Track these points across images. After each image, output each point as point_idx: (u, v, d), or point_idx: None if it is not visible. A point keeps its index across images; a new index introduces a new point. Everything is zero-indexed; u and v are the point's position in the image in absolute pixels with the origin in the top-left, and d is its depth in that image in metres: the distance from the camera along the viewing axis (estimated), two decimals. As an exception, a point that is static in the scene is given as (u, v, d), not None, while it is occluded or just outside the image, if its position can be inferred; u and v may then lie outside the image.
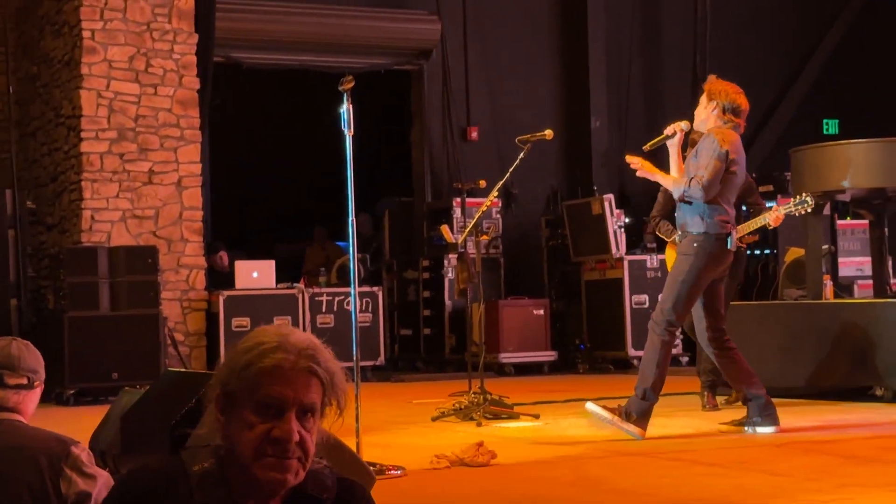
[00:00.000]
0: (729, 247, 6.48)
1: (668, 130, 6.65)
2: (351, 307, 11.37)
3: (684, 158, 6.72)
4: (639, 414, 6.31)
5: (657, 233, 7.74)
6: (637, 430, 6.30)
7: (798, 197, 7.02)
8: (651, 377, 6.40)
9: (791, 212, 7.07)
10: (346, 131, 5.37)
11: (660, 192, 7.63)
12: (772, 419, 6.45)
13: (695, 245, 6.43)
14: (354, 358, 5.48)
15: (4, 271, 10.31)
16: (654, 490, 4.74)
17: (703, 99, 6.65)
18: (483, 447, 5.42)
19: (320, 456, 2.15)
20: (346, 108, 5.34)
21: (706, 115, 6.59)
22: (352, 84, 5.32)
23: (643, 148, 6.78)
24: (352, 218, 5.38)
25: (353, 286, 5.56)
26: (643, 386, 6.42)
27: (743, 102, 6.58)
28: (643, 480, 5.00)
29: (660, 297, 6.73)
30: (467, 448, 5.43)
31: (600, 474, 5.25)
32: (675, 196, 6.59)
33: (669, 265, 7.35)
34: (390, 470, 5.18)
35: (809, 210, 7.06)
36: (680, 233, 6.62)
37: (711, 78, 6.75)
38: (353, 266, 5.50)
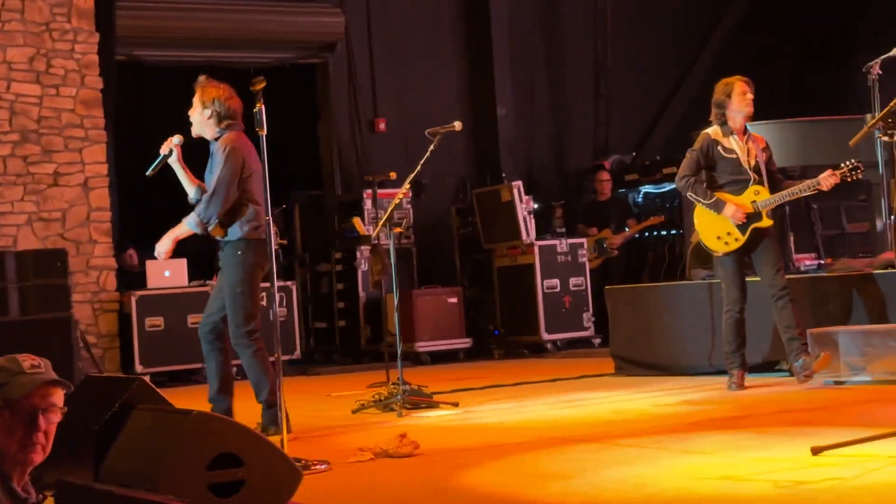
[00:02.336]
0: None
1: (163, 150, 6.65)
2: (268, 303, 11.42)
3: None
4: (275, 422, 6.21)
5: (690, 193, 7.47)
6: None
7: (849, 163, 7.19)
8: (267, 385, 6.45)
9: (846, 177, 7.22)
10: (259, 131, 5.39)
11: (690, 150, 7.59)
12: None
13: (239, 253, 6.49)
14: (276, 354, 5.49)
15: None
16: (576, 474, 4.85)
17: (197, 105, 6.65)
18: (406, 438, 5.49)
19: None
20: (258, 109, 5.36)
21: (202, 121, 6.63)
22: (263, 84, 5.35)
23: (147, 174, 6.80)
24: (269, 217, 5.40)
25: (272, 282, 5.58)
26: (263, 397, 6.50)
27: (236, 104, 6.62)
28: (565, 465, 5.11)
29: (205, 312, 6.74)
30: (390, 439, 5.50)
31: (524, 459, 5.35)
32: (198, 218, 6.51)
33: (701, 229, 7.58)
34: (315, 465, 5.23)
35: (861, 176, 7.24)
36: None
37: (202, 80, 6.72)
38: (273, 263, 5.52)
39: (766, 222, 7.45)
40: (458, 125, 7.67)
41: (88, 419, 4.81)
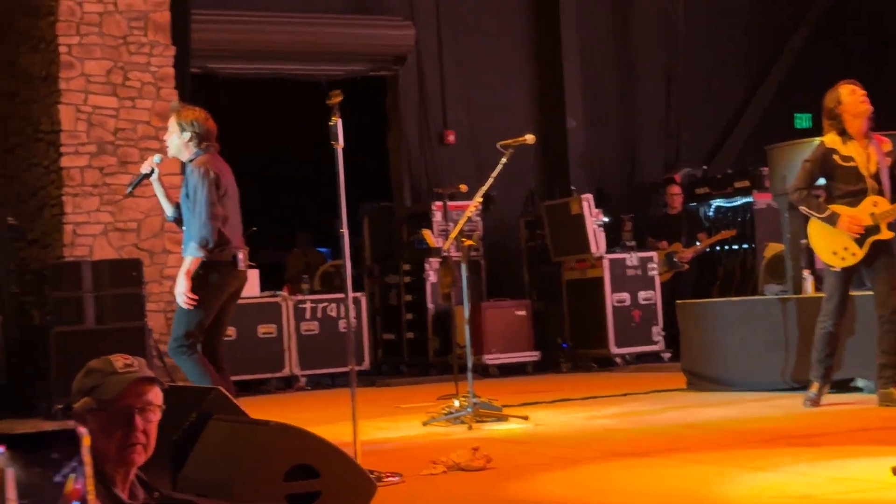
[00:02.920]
0: (239, 267, 6.64)
1: (144, 168, 6.75)
2: (336, 313, 11.49)
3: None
4: None
5: (803, 207, 7.18)
6: None
7: None
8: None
9: None
10: (334, 145, 5.43)
11: (804, 160, 7.29)
12: None
13: (201, 272, 6.49)
14: (349, 365, 5.52)
15: (-12, 288, 10.33)
16: (649, 489, 4.83)
17: (175, 128, 6.71)
18: (479, 451, 5.49)
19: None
20: (334, 122, 5.40)
21: (181, 143, 6.69)
22: (340, 98, 5.40)
23: (125, 195, 6.86)
24: (344, 229, 5.44)
25: (347, 294, 5.61)
26: None
27: (212, 125, 6.75)
28: (638, 480, 5.08)
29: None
30: (463, 452, 5.50)
31: (595, 475, 5.33)
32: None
33: (815, 242, 7.28)
34: (388, 477, 5.25)
35: None
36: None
37: (177, 104, 6.91)
38: (348, 274, 5.56)
39: (886, 235, 7.03)
40: (530, 138, 7.66)
41: (166, 428, 4.84)
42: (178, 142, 6.69)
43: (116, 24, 10.91)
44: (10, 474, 1.11)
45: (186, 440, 4.72)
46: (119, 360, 2.91)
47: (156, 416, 2.90)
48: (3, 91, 11.95)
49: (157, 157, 6.80)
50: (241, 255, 6.61)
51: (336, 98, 5.42)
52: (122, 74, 10.93)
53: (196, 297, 6.45)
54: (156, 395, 2.91)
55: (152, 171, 6.73)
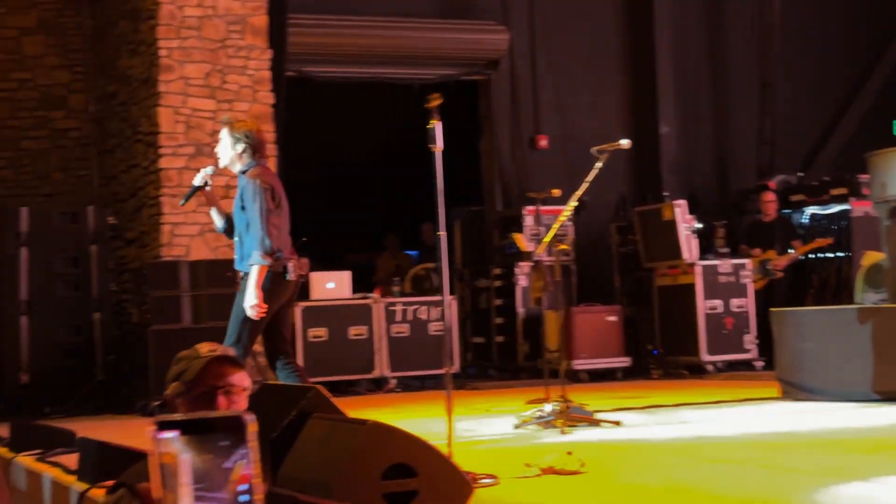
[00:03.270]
0: (289, 278, 6.73)
1: (197, 181, 6.80)
2: (426, 316, 11.53)
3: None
4: None
5: None
6: None
7: None
8: None
9: None
10: (433, 148, 5.47)
11: None
12: None
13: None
14: (445, 367, 5.56)
15: (87, 286, 10.57)
16: (745, 497, 4.79)
17: (227, 138, 6.75)
18: (573, 455, 5.49)
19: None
20: (432, 125, 5.45)
21: (234, 154, 6.75)
22: (439, 101, 5.44)
23: (181, 204, 6.93)
24: (442, 231, 5.48)
25: (445, 296, 5.66)
26: None
27: (263, 137, 6.89)
28: (733, 487, 5.04)
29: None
30: (557, 456, 5.51)
31: (689, 482, 5.30)
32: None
33: None
34: (482, 478, 5.27)
35: None
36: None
37: (230, 116, 6.97)
38: (446, 277, 5.59)
39: None
40: (625, 143, 7.64)
41: (265, 426, 4.93)
42: (231, 153, 6.81)
43: (215, 27, 11.09)
44: (185, 460, 1.16)
45: (285, 438, 4.79)
46: (204, 347, 2.99)
47: (241, 398, 2.93)
48: (102, 93, 12.21)
49: (209, 169, 6.90)
50: (290, 266, 6.74)
51: (435, 101, 5.47)
52: (219, 77, 11.10)
53: (266, 307, 6.56)
54: (240, 378, 2.95)
55: (206, 184, 6.84)
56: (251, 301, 6.57)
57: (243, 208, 6.73)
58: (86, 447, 5.49)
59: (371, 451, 4.26)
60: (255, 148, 6.79)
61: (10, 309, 10.34)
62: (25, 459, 6.49)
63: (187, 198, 7.00)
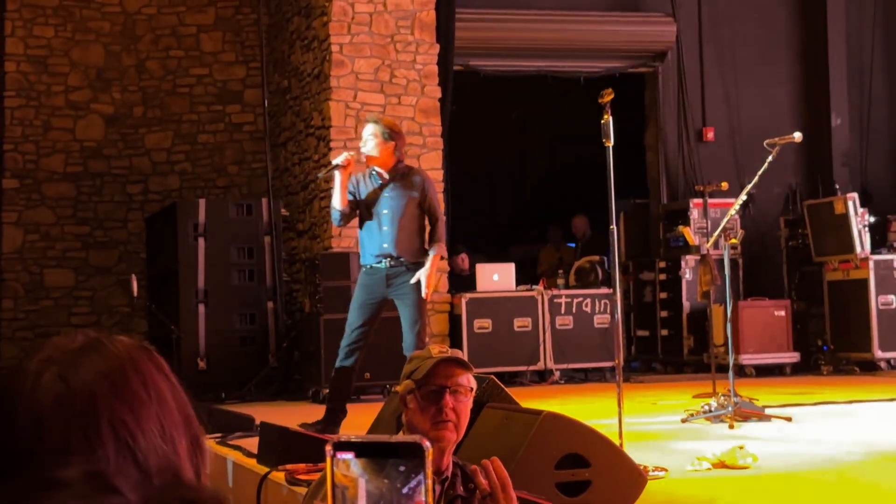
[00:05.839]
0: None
1: (339, 160, 7.00)
2: (590, 309, 11.55)
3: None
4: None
5: None
6: None
7: None
8: None
9: None
10: (605, 142, 5.52)
11: None
12: None
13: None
14: (616, 360, 5.60)
15: (262, 276, 10.91)
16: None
17: (379, 134, 7.05)
18: (743, 450, 5.48)
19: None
20: (605, 120, 5.49)
21: (386, 150, 7.06)
22: (611, 96, 5.48)
23: (318, 177, 7.08)
24: (613, 225, 5.52)
25: (615, 289, 5.70)
26: None
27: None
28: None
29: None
30: (728, 451, 5.50)
31: (863, 477, 5.24)
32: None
33: None
34: (654, 471, 5.30)
35: None
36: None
37: (376, 116, 7.35)
38: (616, 272, 5.64)
39: None
40: (797, 136, 7.55)
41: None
42: (381, 148, 7.07)
43: (385, 23, 11.30)
44: (362, 483, 1.20)
45: (460, 426, 4.91)
46: (435, 348, 3.16)
47: (466, 399, 3.08)
48: (275, 88, 12.56)
49: (351, 154, 7.18)
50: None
51: (608, 97, 5.52)
52: (389, 72, 11.31)
53: None
54: (467, 379, 3.10)
55: (347, 165, 7.06)
56: (433, 282, 6.96)
57: (419, 198, 7.07)
58: (267, 432, 5.71)
59: (546, 440, 4.34)
60: (402, 146, 7.15)
61: (189, 297, 10.74)
62: (208, 442, 6.76)
63: (326, 173, 7.27)
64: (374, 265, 7.10)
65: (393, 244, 7.04)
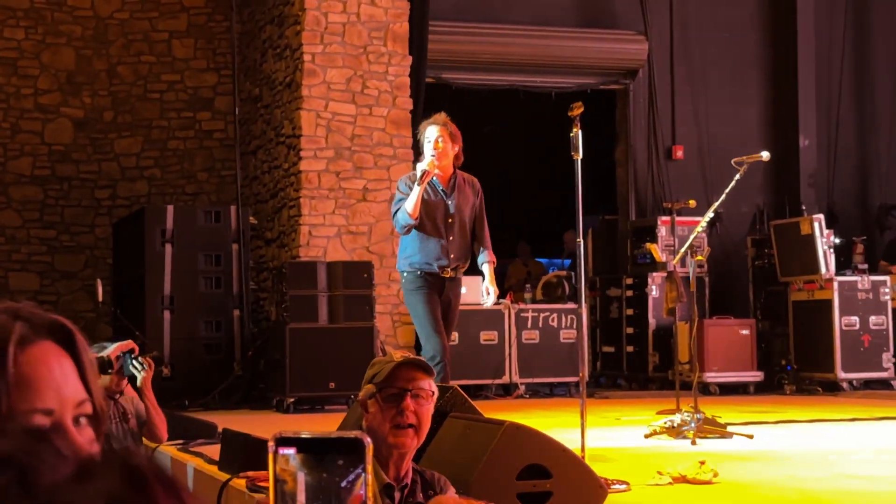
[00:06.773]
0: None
1: (428, 167, 6.91)
2: (557, 324, 11.56)
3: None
4: None
5: None
6: None
7: None
8: None
9: None
10: (574, 155, 5.54)
11: None
12: None
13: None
14: (580, 374, 5.61)
15: (229, 283, 10.87)
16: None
17: (448, 140, 6.96)
18: (705, 464, 5.50)
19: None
20: (574, 133, 5.51)
21: (453, 155, 7.01)
22: (581, 110, 5.50)
23: (417, 189, 6.95)
24: (579, 239, 5.54)
25: (581, 303, 5.71)
26: None
27: None
28: (868, 502, 5.00)
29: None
30: (689, 465, 5.51)
31: (827, 496, 5.26)
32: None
33: None
34: (615, 484, 5.31)
35: None
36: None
37: (444, 117, 7.05)
38: (583, 287, 5.65)
39: None
40: (765, 155, 7.60)
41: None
42: (451, 153, 6.97)
43: (358, 34, 11.31)
44: (301, 478, 1.21)
45: (422, 435, 4.90)
46: (398, 353, 3.15)
47: (428, 403, 3.07)
48: (246, 95, 12.54)
49: (433, 157, 6.98)
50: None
51: (577, 110, 5.54)
52: (360, 82, 11.32)
53: None
54: (428, 384, 3.09)
55: (431, 174, 6.96)
56: (491, 293, 7.10)
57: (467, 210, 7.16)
58: (229, 439, 5.68)
59: (507, 450, 4.35)
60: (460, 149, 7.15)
61: (155, 304, 10.69)
62: (170, 448, 6.73)
63: (420, 181, 6.96)
64: (431, 272, 7.01)
65: (459, 252, 7.08)
